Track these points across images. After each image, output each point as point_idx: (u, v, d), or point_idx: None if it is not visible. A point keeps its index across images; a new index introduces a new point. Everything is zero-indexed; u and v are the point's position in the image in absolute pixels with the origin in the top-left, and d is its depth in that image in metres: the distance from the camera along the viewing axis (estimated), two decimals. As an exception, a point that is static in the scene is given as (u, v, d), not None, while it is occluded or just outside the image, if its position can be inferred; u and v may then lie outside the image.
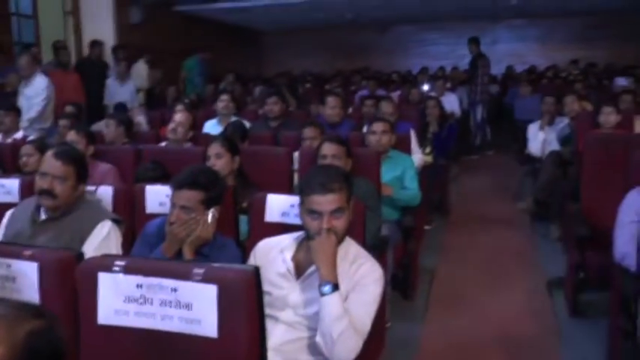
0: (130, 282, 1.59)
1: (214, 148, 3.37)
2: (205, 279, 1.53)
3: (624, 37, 13.58)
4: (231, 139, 3.55)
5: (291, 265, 2.14)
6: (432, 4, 11.75)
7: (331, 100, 5.22)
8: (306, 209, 2.09)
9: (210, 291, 1.52)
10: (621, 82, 9.00)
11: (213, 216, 2.31)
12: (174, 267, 1.64)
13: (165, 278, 1.56)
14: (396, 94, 8.43)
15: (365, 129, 4.23)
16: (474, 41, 9.20)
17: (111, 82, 7.89)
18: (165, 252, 2.27)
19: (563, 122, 5.85)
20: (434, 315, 3.74)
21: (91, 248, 2.44)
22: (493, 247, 4.97)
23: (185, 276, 1.55)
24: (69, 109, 5.84)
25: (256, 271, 1.59)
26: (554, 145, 5.67)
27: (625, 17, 13.27)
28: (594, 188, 3.79)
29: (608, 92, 7.85)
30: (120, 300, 1.61)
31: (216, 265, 1.63)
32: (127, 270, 1.60)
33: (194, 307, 1.54)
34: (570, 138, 5.37)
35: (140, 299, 1.58)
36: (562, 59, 13.23)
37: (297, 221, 2.42)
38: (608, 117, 4.84)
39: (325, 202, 2.05)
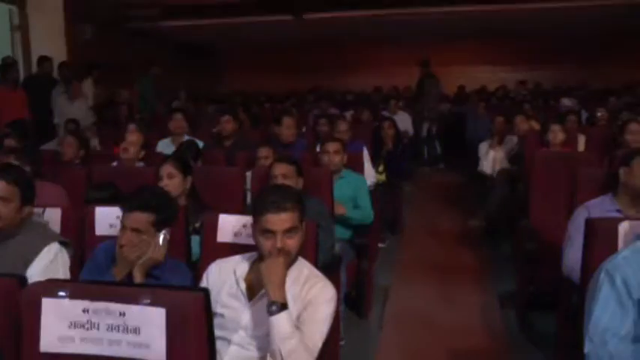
0: (75, 307, 1.55)
1: (166, 169, 3.32)
2: (154, 302, 1.51)
3: (569, 60, 14.11)
4: (183, 159, 3.52)
5: (243, 286, 2.14)
6: (385, 24, 11.93)
7: (286, 120, 5.23)
8: (259, 229, 2.09)
9: (159, 315, 1.50)
10: (566, 102, 9.30)
11: (164, 238, 2.29)
12: (122, 291, 1.61)
13: (112, 302, 1.53)
14: (349, 114, 8.51)
15: (318, 148, 4.26)
16: (424, 62, 9.59)
17: (61, 100, 7.72)
18: (116, 275, 2.24)
19: (512, 141, 6.01)
20: (388, 332, 3.76)
21: (36, 272, 2.37)
22: (446, 263, 5.04)
23: (133, 300, 1.52)
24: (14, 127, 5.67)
25: (206, 293, 1.58)
26: (504, 164, 5.82)
27: (570, 41, 13.79)
28: (542, 205, 3.91)
29: (554, 112, 8.08)
30: (64, 326, 1.56)
31: (164, 288, 1.62)
32: (72, 295, 1.56)
33: (142, 331, 1.52)
34: (519, 156, 5.51)
35: (86, 324, 1.55)
36: (511, 80, 13.61)
37: (249, 241, 2.41)
38: (556, 135, 4.99)
39: (279, 221, 2.06)
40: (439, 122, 10.52)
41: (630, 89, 11.19)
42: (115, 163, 4.56)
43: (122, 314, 1.52)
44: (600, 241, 2.36)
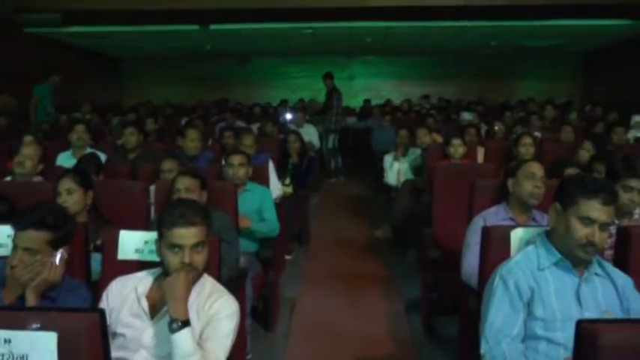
0: (-47, 335, 1.45)
1: (65, 183, 3.16)
2: (44, 327, 1.44)
3: (469, 75, 14.81)
4: (84, 173, 3.36)
5: (145, 304, 2.09)
6: (291, 39, 12.04)
7: (190, 133, 5.16)
8: (166, 243, 2.06)
9: (50, 339, 1.43)
10: (467, 116, 9.70)
11: (62, 257, 2.19)
12: (8, 315, 1.53)
13: (-4, 329, 1.44)
14: (255, 126, 8.51)
15: (223, 162, 4.22)
16: (329, 76, 9.77)
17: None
18: (6, 298, 2.12)
19: (415, 153, 6.19)
20: (295, 344, 3.77)
21: None
22: (353, 273, 5.11)
23: (20, 325, 1.44)
24: None
25: (102, 314, 1.52)
26: (409, 175, 5.99)
27: (471, 58, 14.48)
28: (444, 214, 4.07)
29: (455, 126, 8.41)
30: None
31: (56, 310, 1.54)
32: (-50, 321, 1.46)
33: (30, 358, 1.44)
34: (422, 168, 5.69)
35: (-36, 355, 1.45)
36: (415, 94, 14.08)
37: (151, 258, 2.36)
38: (456, 149, 5.22)
39: (187, 235, 2.04)
40: (346, 135, 10.73)
41: (524, 104, 11.85)
42: (8, 178, 4.32)
43: (7, 341, 1.43)
44: (494, 247, 2.47)
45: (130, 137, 5.24)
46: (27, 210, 2.25)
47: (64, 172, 3.38)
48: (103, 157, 5.07)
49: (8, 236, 2.34)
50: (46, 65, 10.41)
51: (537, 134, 6.95)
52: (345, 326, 4.01)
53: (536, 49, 13.58)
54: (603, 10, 9.22)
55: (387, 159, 6.46)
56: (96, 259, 2.71)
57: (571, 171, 3.72)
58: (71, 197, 3.13)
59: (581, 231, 2.00)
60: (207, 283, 2.17)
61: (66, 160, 5.16)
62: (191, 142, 5.09)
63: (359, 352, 3.64)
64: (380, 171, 6.80)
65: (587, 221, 1.99)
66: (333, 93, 9.58)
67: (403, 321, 4.10)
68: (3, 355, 1.44)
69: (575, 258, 2.06)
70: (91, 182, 3.29)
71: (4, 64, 9.36)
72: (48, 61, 10.91)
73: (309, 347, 3.73)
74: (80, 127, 5.40)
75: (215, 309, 2.06)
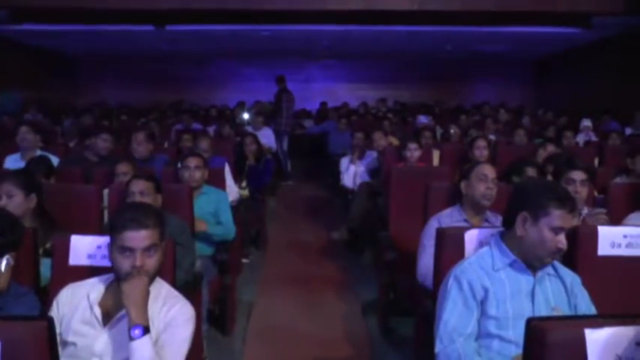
0: None
1: (4, 187, 3.00)
2: (-13, 335, 1.39)
3: (425, 79, 15.02)
4: (26, 175, 3.21)
5: (97, 310, 2.04)
6: (247, 39, 12.00)
7: (137, 136, 5.04)
8: (117, 247, 2.02)
9: (-7, 348, 1.38)
10: (423, 119, 9.82)
11: (7, 263, 2.12)
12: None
13: None
14: (211, 129, 8.44)
15: (179, 164, 4.17)
16: (280, 79, 9.80)
17: None
18: (-55, 307, 2.04)
19: (372, 156, 6.24)
20: (252, 348, 3.75)
21: None
22: (310, 275, 5.11)
23: (-37, 333, 1.39)
24: None
25: (49, 322, 1.48)
26: (365, 177, 6.03)
27: (426, 62, 14.68)
28: (401, 216, 4.11)
29: (411, 129, 8.51)
30: None
31: (1, 319, 1.49)
32: None
33: (-28, 369, 1.39)
34: (379, 170, 5.74)
35: None
36: (371, 97, 14.19)
37: (105, 263, 2.31)
38: (413, 153, 5.29)
39: (139, 238, 2.00)
40: (302, 138, 10.72)
41: (478, 108, 12.09)
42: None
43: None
44: (449, 248, 2.51)
45: (104, 144, 5.12)
46: None
47: (5, 174, 3.26)
48: (54, 159, 4.94)
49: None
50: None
51: (492, 137, 7.11)
52: (302, 329, 4.01)
53: (490, 54, 13.86)
54: (552, 17, 9.48)
55: (344, 162, 6.49)
56: (45, 264, 2.64)
57: (531, 171, 3.80)
58: (11, 201, 2.99)
59: (552, 240, 2.04)
60: (163, 288, 2.13)
61: (14, 162, 5.00)
62: (137, 145, 4.99)
63: (316, 354, 3.65)
64: (336, 174, 6.83)
65: (559, 230, 2.04)
66: (282, 95, 9.60)
67: (360, 322, 4.12)
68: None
69: (540, 263, 2.11)
70: (34, 185, 3.15)
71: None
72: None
73: (266, 351, 3.72)
74: (24, 128, 5.21)
75: (171, 315, 2.04)
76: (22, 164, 4.72)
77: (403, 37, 11.73)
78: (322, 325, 4.09)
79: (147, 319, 1.92)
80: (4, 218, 2.21)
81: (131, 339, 1.87)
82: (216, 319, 3.80)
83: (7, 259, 2.12)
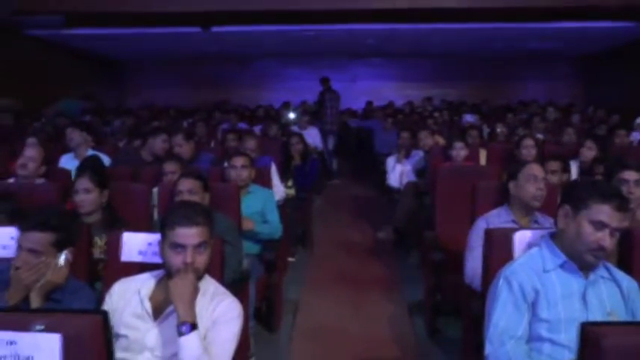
0: (-46, 338, 1.45)
1: (82, 182, 3.21)
2: (48, 328, 1.44)
3: (472, 77, 14.80)
4: (100, 172, 3.40)
5: (148, 305, 2.08)
6: (292, 40, 12.05)
7: (176, 138, 5.12)
8: (168, 243, 2.06)
9: (53, 341, 1.43)
10: (469, 118, 9.71)
11: (66, 259, 2.19)
12: (12, 317, 1.53)
13: (0, 330, 1.44)
14: (257, 128, 8.52)
15: (225, 163, 4.23)
16: (324, 80, 9.92)
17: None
18: (9, 299, 2.12)
19: (418, 155, 6.20)
20: (298, 346, 3.77)
21: None
22: (355, 275, 5.11)
23: (24, 326, 1.44)
24: None
25: (104, 316, 1.52)
26: (411, 177, 5.99)
27: (473, 59, 14.47)
28: (447, 216, 4.07)
29: (458, 128, 8.41)
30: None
31: (60, 312, 1.54)
32: (-49, 324, 1.46)
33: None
34: (425, 170, 5.69)
35: (-33, 357, 1.45)
36: (417, 96, 14.06)
37: (154, 260, 2.36)
38: (459, 152, 5.24)
39: (190, 235, 2.04)
40: (348, 137, 10.72)
41: (526, 106, 11.84)
42: (11, 180, 4.32)
43: (12, 343, 1.43)
44: (498, 249, 2.47)
45: (163, 144, 5.20)
46: (31, 211, 2.25)
47: (82, 171, 3.41)
48: (105, 159, 5.08)
49: (12, 238, 2.34)
50: (49, 68, 10.44)
51: (539, 136, 6.96)
52: (347, 328, 4.01)
53: (539, 51, 13.57)
54: (604, 12, 9.22)
55: (390, 161, 6.46)
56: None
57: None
58: (88, 196, 3.18)
59: (592, 235, 1.99)
60: (210, 285, 2.16)
61: (69, 162, 5.15)
62: (179, 146, 5.07)
63: (362, 353, 3.65)
64: (382, 173, 6.80)
65: (599, 225, 1.98)
66: (325, 94, 9.64)
67: (406, 323, 4.10)
68: (7, 357, 1.44)
69: (583, 261, 2.05)
70: (106, 182, 3.32)
71: (5, 65, 9.38)
72: (50, 64, 10.94)
73: (312, 349, 3.73)
74: (70, 129, 5.34)
75: (219, 312, 2.06)
76: (76, 163, 4.86)
77: (450, 35, 11.59)
78: (368, 324, 4.08)
79: (194, 316, 1.95)
80: (62, 215, 2.29)
81: (180, 335, 1.91)
82: (262, 317, 3.84)
83: (66, 254, 2.19)
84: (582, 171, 4.73)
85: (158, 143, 5.20)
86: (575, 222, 2.03)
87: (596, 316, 2.02)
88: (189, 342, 1.90)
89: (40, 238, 2.15)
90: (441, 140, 6.84)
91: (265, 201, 3.97)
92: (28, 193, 3.57)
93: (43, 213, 2.22)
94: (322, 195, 8.22)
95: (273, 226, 3.91)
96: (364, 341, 3.82)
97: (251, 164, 4.07)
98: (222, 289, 2.18)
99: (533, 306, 2.05)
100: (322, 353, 3.68)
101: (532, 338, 2.05)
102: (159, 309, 2.08)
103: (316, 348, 3.75)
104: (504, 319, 2.06)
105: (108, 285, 2.26)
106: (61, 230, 2.20)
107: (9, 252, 2.39)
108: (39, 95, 10.33)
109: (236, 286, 2.75)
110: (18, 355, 1.44)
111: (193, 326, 1.92)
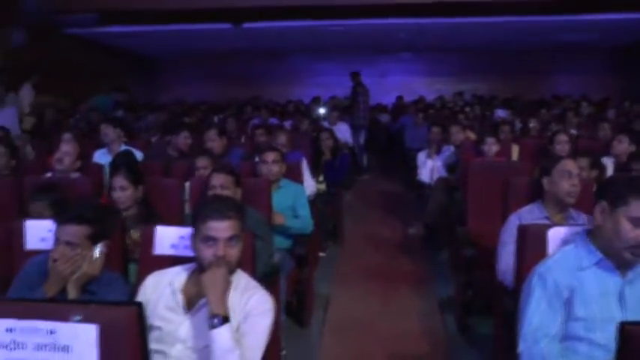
0: (-2, 327, 1.50)
1: (118, 181, 3.32)
2: (85, 319, 1.47)
3: (503, 71, 14.59)
4: (134, 170, 3.48)
5: (180, 298, 2.11)
6: (323, 36, 12.05)
7: (209, 133, 5.19)
8: (200, 237, 2.07)
9: (90, 331, 1.46)
10: (501, 113, 9.59)
11: (100, 251, 2.23)
12: (51, 308, 1.57)
13: (40, 320, 1.48)
14: (288, 124, 8.53)
15: (256, 158, 4.25)
16: (355, 74, 9.86)
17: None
18: (47, 291, 2.16)
19: (449, 150, 6.14)
20: (329, 340, 3.78)
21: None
22: (386, 270, 5.10)
23: (63, 317, 1.47)
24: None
25: (140, 307, 1.54)
26: (442, 172, 5.93)
27: (504, 54, 14.27)
28: (478, 212, 4.03)
29: (489, 123, 8.31)
30: (-14, 347, 1.50)
31: (96, 304, 1.57)
32: (-5, 314, 1.51)
33: (73, 349, 1.47)
34: (456, 165, 5.64)
35: (10, 345, 1.48)
36: (448, 91, 13.93)
37: (186, 253, 2.39)
38: (491, 147, 5.18)
39: (222, 228, 2.05)
40: (378, 133, 10.69)
41: (559, 101, 11.64)
42: (49, 174, 4.42)
43: (51, 332, 1.47)
44: (531, 246, 2.45)
45: (185, 141, 5.34)
46: (67, 205, 2.30)
47: (117, 169, 3.51)
48: (138, 154, 5.14)
49: (49, 231, 2.39)
50: (83, 65, 10.63)
51: (573, 132, 6.84)
52: (378, 323, 4.01)
53: (572, 43, 13.31)
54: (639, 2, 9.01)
55: (421, 156, 6.42)
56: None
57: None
58: (124, 193, 3.30)
59: (631, 232, 1.94)
60: (242, 279, 2.18)
61: (102, 157, 5.24)
62: (212, 141, 5.12)
63: (392, 349, 3.65)
64: (413, 168, 6.76)
65: (638, 222, 1.93)
66: (358, 89, 9.61)
67: (436, 319, 4.08)
68: (47, 346, 1.47)
69: (621, 259, 2.00)
70: (141, 177, 3.41)
71: (43, 64, 9.58)
72: (85, 61, 11.14)
73: (343, 343, 3.74)
74: (104, 125, 5.46)
75: (251, 305, 2.07)
76: (109, 158, 4.94)
77: (481, 29, 11.46)
78: (398, 320, 4.07)
79: (226, 309, 1.95)
80: (97, 209, 2.33)
81: (212, 327, 1.92)
82: (293, 312, 3.86)
83: (101, 247, 2.23)
84: (618, 167, 4.64)
85: (181, 139, 5.38)
86: (612, 219, 1.98)
87: (634, 315, 1.97)
88: (221, 335, 1.91)
89: (76, 231, 2.19)
90: (472, 135, 6.77)
91: (296, 196, 3.98)
92: (64, 186, 3.64)
93: (80, 207, 2.26)
94: (352, 190, 8.20)
95: (304, 220, 3.91)
96: (394, 337, 3.81)
97: (282, 159, 4.09)
98: (253, 283, 2.19)
99: (568, 304, 2.02)
100: (352, 348, 3.68)
101: (567, 337, 2.01)
102: (191, 302, 2.10)
103: (347, 343, 3.75)
104: (538, 316, 2.03)
105: (141, 277, 2.29)
106: (97, 223, 2.24)
107: (47, 244, 2.45)
108: (76, 92, 10.53)
109: (267, 281, 2.76)
110: (56, 345, 1.47)
111: (225, 319, 1.93)
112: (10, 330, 1.48)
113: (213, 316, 1.93)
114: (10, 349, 1.49)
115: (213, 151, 4.98)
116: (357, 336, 3.85)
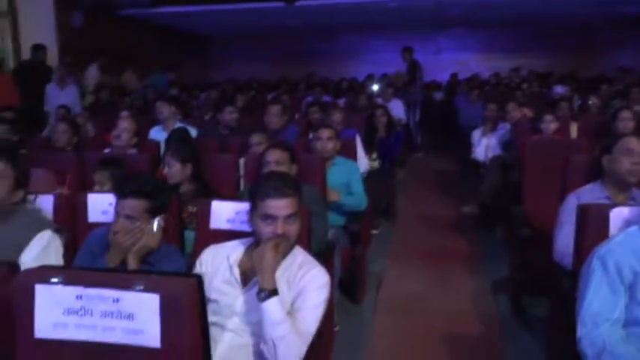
0: (69, 293, 1.55)
1: (167, 158, 3.42)
2: (147, 289, 1.51)
3: (561, 46, 14.12)
4: (181, 148, 3.52)
5: (236, 272, 2.14)
6: (376, 13, 11.90)
7: (271, 108, 5.21)
8: (259, 214, 2.09)
9: (153, 301, 1.50)
10: (559, 90, 9.30)
11: (158, 225, 2.29)
12: (116, 277, 1.61)
13: (106, 289, 1.52)
14: (342, 101, 8.49)
15: (310, 135, 4.25)
16: (408, 50, 9.69)
17: (51, 88, 7.68)
18: (109, 261, 2.23)
19: (505, 128, 6.01)
20: (381, 318, 3.78)
21: (29, 259, 2.37)
22: (439, 249, 5.06)
23: (127, 286, 1.52)
24: (7, 114, 5.63)
25: (199, 280, 1.57)
26: (497, 150, 5.82)
27: (562, 28, 13.79)
28: (535, 191, 3.93)
29: (547, 100, 8.09)
30: (59, 312, 1.56)
31: (158, 274, 1.61)
32: (66, 281, 1.56)
33: (136, 317, 1.51)
34: (512, 143, 5.52)
35: (80, 311, 1.54)
36: (503, 67, 13.60)
37: (242, 228, 2.42)
38: (549, 125, 5.04)
39: (281, 206, 2.06)
40: (432, 110, 10.54)
41: (622, 76, 11.20)
42: (107, 150, 4.55)
43: (116, 300, 1.52)
44: (592, 227, 2.37)
45: (230, 116, 5.46)
46: (126, 179, 2.36)
47: (167, 147, 3.68)
48: (192, 131, 5.23)
49: (110, 204, 2.47)
50: (137, 46, 10.86)
51: (638, 108, 6.58)
52: (431, 302, 3.99)
53: (634, 15, 12.73)
54: None
55: (475, 134, 6.31)
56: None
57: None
58: (171, 170, 3.37)
59: None
60: (299, 254, 2.19)
61: (157, 134, 5.36)
62: (273, 116, 5.14)
63: (445, 328, 3.62)
64: (468, 146, 6.65)
65: None
66: (416, 65, 9.48)
67: (490, 300, 4.02)
68: (112, 313, 1.53)
69: None
70: (190, 155, 3.45)
71: (98, 44, 9.84)
72: (139, 42, 11.38)
73: (395, 321, 3.74)
74: (159, 102, 5.61)
75: (306, 280, 2.08)
76: (164, 135, 5.05)
77: (537, 2, 11.09)
78: (451, 299, 4.03)
79: (273, 283, 1.97)
80: (155, 184, 2.38)
81: (260, 301, 1.95)
82: (346, 289, 3.87)
83: (159, 221, 2.29)
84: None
85: (226, 115, 5.44)
86: None
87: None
88: (270, 307, 1.93)
89: (135, 204, 2.25)
90: (529, 113, 6.60)
91: (350, 173, 3.97)
92: (123, 161, 3.75)
93: (138, 181, 2.31)
94: (406, 168, 8.14)
95: (358, 197, 3.89)
96: (447, 316, 3.78)
97: (336, 136, 4.07)
98: (310, 259, 2.20)
99: (632, 289, 1.94)
100: (405, 326, 3.68)
101: (630, 322, 1.94)
102: (247, 276, 2.13)
103: (399, 321, 3.75)
104: (598, 300, 1.96)
105: (199, 250, 2.33)
106: (155, 198, 2.29)
107: (108, 217, 2.55)
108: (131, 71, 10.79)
109: (321, 257, 2.77)
110: (121, 312, 1.52)
111: (272, 292, 1.95)
112: (79, 297, 1.54)
113: (260, 289, 1.96)
114: (81, 315, 1.54)
115: (272, 127, 5.03)
116: (409, 314, 3.84)
